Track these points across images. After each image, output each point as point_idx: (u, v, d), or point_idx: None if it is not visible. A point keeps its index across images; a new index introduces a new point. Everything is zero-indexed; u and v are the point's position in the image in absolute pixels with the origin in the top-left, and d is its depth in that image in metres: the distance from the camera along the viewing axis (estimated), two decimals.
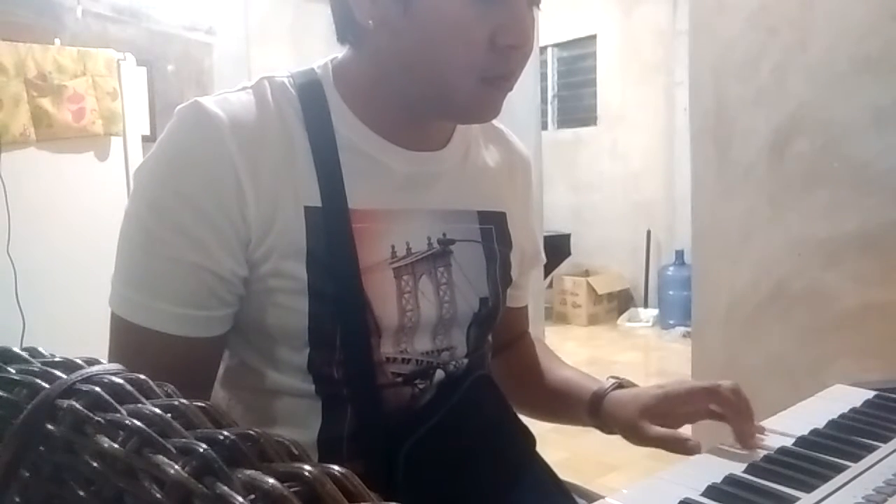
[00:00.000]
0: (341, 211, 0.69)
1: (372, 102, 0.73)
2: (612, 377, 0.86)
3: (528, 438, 0.82)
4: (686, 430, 0.84)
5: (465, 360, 0.78)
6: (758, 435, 0.71)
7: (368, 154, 0.72)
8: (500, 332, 0.90)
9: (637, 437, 0.77)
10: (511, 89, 0.72)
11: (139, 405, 0.34)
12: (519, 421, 0.82)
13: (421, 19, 0.65)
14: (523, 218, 0.87)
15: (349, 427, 0.71)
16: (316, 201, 0.68)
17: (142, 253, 0.66)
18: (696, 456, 0.70)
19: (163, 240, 0.65)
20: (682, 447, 0.72)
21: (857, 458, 0.64)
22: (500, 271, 0.81)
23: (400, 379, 0.73)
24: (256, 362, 0.72)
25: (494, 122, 0.89)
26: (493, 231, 0.81)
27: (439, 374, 0.76)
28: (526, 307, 0.98)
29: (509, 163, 0.87)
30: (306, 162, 0.69)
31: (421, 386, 0.75)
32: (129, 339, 0.67)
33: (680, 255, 5.28)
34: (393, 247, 0.72)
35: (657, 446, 0.75)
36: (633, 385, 0.85)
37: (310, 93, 0.72)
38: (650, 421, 0.76)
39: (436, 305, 0.74)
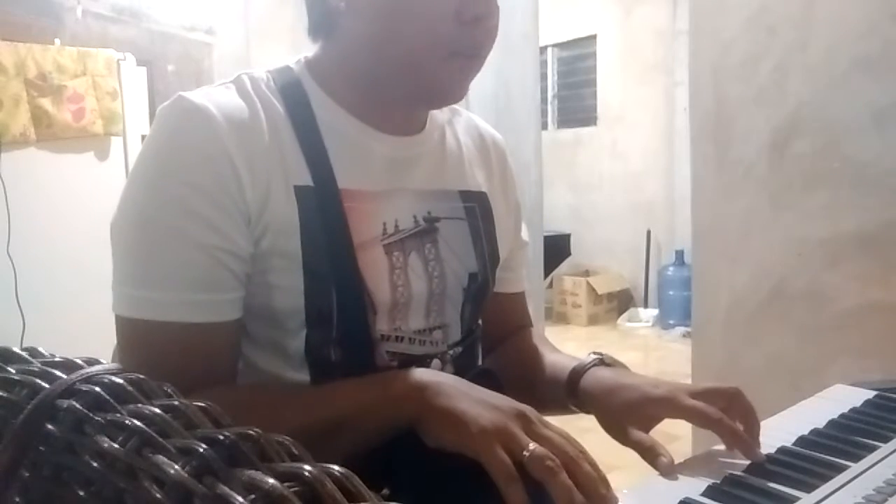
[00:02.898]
0: (332, 189, 0.70)
1: (349, 90, 0.75)
2: (595, 353, 0.81)
3: None
4: (686, 426, 0.83)
5: (459, 349, 0.79)
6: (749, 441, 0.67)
7: (351, 137, 0.74)
8: (496, 323, 0.89)
9: (613, 431, 0.72)
10: (479, 69, 0.72)
11: (139, 405, 0.34)
12: None
13: None
14: (503, 197, 0.89)
15: None
16: (306, 181, 0.70)
17: (152, 248, 0.66)
18: (696, 456, 0.69)
19: (176, 228, 0.65)
20: (654, 461, 0.66)
21: (857, 458, 0.64)
22: (487, 247, 0.82)
23: (395, 362, 0.73)
24: (253, 353, 0.73)
25: (461, 109, 0.91)
26: (477, 209, 0.83)
27: (436, 363, 0.76)
28: (522, 295, 0.97)
29: (481, 145, 0.89)
30: (293, 145, 0.71)
31: None
32: (148, 340, 0.66)
33: (680, 255, 5.28)
34: (384, 224, 0.74)
35: (631, 447, 0.70)
36: (617, 363, 0.81)
37: (289, 84, 0.75)
38: (632, 418, 0.71)
39: (425, 280, 0.76)
